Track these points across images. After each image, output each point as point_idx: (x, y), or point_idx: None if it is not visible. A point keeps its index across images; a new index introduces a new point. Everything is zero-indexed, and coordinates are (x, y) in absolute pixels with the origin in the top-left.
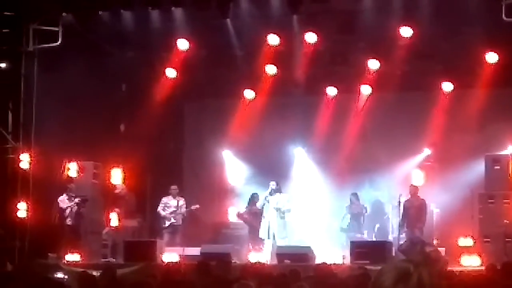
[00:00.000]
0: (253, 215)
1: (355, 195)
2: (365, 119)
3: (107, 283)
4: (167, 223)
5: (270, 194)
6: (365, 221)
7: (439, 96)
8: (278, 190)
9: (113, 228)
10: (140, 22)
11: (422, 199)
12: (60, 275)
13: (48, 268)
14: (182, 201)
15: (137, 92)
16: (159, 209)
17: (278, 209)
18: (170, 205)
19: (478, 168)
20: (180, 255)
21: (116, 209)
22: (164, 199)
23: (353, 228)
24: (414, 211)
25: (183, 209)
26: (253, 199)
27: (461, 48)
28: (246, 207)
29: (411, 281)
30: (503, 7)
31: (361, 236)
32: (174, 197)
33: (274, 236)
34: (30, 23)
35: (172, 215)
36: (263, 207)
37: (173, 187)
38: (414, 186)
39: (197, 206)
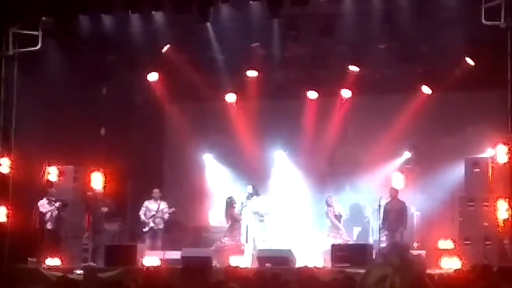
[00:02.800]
0: (232, 219)
1: (332, 197)
2: (346, 122)
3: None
4: (147, 228)
5: (247, 198)
6: (344, 223)
7: (419, 99)
8: (255, 193)
9: (93, 231)
10: (121, 26)
11: (403, 201)
12: None
13: (28, 273)
14: (163, 205)
15: (118, 96)
16: (141, 213)
17: (256, 213)
18: (151, 209)
19: (458, 171)
20: (161, 259)
21: (104, 208)
22: (146, 203)
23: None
24: (394, 214)
25: (164, 213)
26: (230, 202)
27: (441, 51)
28: (226, 211)
29: (386, 284)
30: (483, 11)
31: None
32: (156, 201)
33: (254, 240)
34: (10, 27)
35: (151, 219)
36: (241, 212)
37: (155, 190)
38: (394, 189)
39: (173, 209)
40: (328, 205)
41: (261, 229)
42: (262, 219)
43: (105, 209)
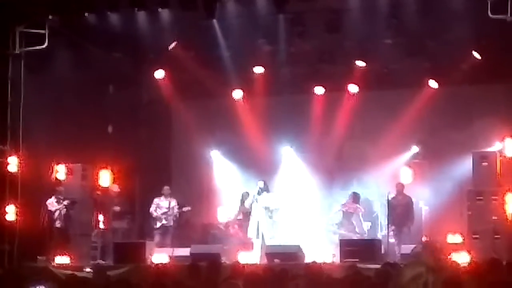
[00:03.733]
0: (244, 214)
1: (352, 194)
2: (353, 118)
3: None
4: (158, 224)
5: (258, 193)
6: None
7: (426, 93)
8: (265, 189)
9: (102, 229)
10: (127, 24)
11: (409, 196)
12: None
13: (38, 271)
14: (174, 202)
15: (125, 93)
16: (152, 209)
17: (267, 208)
18: (162, 206)
19: (466, 165)
20: (169, 256)
21: (116, 207)
22: (156, 200)
23: (342, 226)
24: (401, 210)
25: (175, 210)
26: (244, 198)
27: (448, 45)
28: (239, 206)
29: (419, 283)
30: (489, 4)
31: (352, 234)
32: (166, 198)
33: (263, 235)
34: (17, 25)
35: (164, 216)
36: (251, 206)
37: (166, 187)
38: (401, 184)
39: (189, 208)
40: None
41: (270, 225)
42: (271, 215)
43: (117, 209)
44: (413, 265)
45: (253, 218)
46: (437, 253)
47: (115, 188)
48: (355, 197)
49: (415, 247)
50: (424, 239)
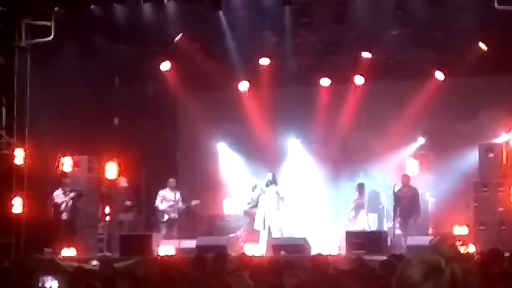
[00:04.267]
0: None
1: (358, 186)
2: (359, 109)
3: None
4: (166, 217)
5: (266, 185)
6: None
7: (432, 84)
8: (274, 181)
9: (108, 222)
10: (133, 16)
11: (415, 188)
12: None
13: (44, 263)
14: (178, 195)
15: (131, 85)
16: (157, 203)
17: (274, 201)
18: (168, 199)
19: (472, 157)
20: (176, 248)
21: (127, 202)
22: (162, 192)
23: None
24: (407, 201)
25: (180, 203)
26: (254, 190)
27: (454, 36)
28: (252, 198)
29: (443, 278)
30: None
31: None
32: (172, 190)
33: (269, 228)
34: (23, 18)
35: (171, 209)
36: (258, 198)
37: (171, 179)
38: (407, 176)
39: (198, 201)
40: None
41: (278, 218)
42: (278, 207)
43: (128, 203)
44: (423, 258)
45: (260, 210)
46: (454, 245)
47: (123, 182)
48: (361, 189)
49: (432, 238)
50: (430, 230)
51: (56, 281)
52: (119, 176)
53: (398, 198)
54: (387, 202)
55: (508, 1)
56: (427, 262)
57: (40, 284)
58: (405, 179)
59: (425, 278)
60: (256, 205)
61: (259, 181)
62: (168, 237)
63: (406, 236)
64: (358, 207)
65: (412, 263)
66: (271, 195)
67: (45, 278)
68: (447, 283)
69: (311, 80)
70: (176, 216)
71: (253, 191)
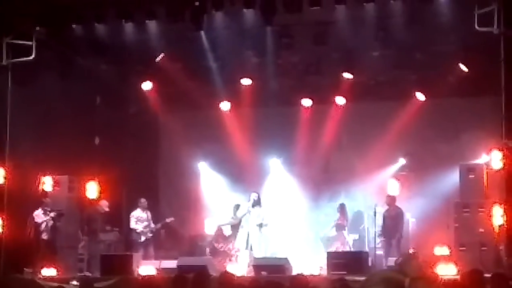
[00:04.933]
0: (233, 228)
1: (339, 206)
2: (340, 130)
3: None
4: (143, 238)
5: (252, 206)
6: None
7: (414, 105)
8: (258, 202)
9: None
10: (114, 35)
11: (399, 208)
12: None
13: (24, 283)
14: (149, 214)
15: (112, 105)
16: (132, 225)
17: (258, 223)
18: (143, 219)
19: (453, 177)
20: (157, 268)
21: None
22: (135, 213)
23: (336, 240)
24: (390, 221)
25: (151, 223)
26: (236, 210)
27: (435, 58)
28: (232, 217)
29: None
30: (476, 17)
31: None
32: (143, 210)
33: (251, 247)
34: (3, 37)
35: (147, 229)
36: (242, 218)
37: (142, 200)
38: (391, 196)
39: (172, 218)
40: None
41: (261, 239)
42: (261, 229)
43: (108, 228)
44: (390, 277)
45: (243, 229)
46: (419, 265)
47: (105, 207)
48: (343, 209)
49: (397, 258)
50: (411, 251)
51: None
52: (100, 198)
53: (383, 218)
54: (368, 223)
55: (488, 23)
56: (390, 280)
57: None
58: (389, 199)
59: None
60: (238, 224)
61: (240, 201)
62: (145, 257)
63: (387, 256)
64: (340, 228)
65: (374, 281)
66: (255, 215)
67: None
68: None
69: (293, 101)
70: (151, 236)
71: (236, 209)
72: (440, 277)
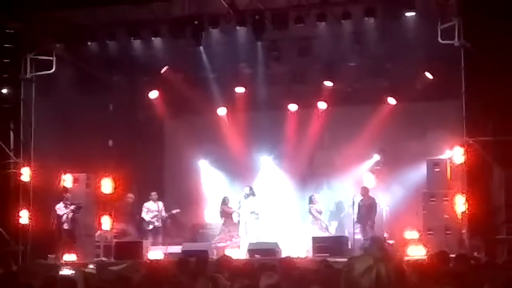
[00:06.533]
0: (226, 215)
1: (312, 197)
2: (322, 130)
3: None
4: (151, 227)
5: (245, 198)
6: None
7: (386, 109)
8: (252, 193)
9: (104, 231)
10: (124, 51)
11: (373, 198)
12: (66, 271)
13: (48, 267)
14: (161, 205)
15: (123, 111)
16: (143, 214)
17: (252, 212)
18: (152, 210)
19: (420, 171)
20: (164, 253)
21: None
22: (146, 204)
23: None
24: (364, 210)
25: (163, 212)
26: (224, 200)
27: (404, 67)
28: (221, 206)
29: (371, 274)
30: (439, 31)
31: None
32: (155, 202)
33: (247, 234)
34: (27, 53)
35: (155, 219)
36: (238, 210)
37: (153, 193)
38: (364, 187)
39: (178, 210)
40: (312, 202)
41: (256, 226)
42: (257, 217)
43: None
44: (362, 258)
45: (242, 220)
46: (383, 245)
47: (130, 198)
48: (310, 199)
49: (363, 243)
50: (385, 235)
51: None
52: (114, 190)
53: (358, 207)
54: (347, 211)
55: (450, 36)
56: (364, 262)
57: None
58: (363, 190)
59: (362, 275)
60: (230, 215)
61: (230, 194)
62: (154, 243)
63: (365, 240)
64: (316, 214)
65: (354, 262)
66: (251, 205)
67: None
68: (373, 279)
69: (281, 106)
70: (160, 225)
71: (224, 202)
72: (405, 258)
